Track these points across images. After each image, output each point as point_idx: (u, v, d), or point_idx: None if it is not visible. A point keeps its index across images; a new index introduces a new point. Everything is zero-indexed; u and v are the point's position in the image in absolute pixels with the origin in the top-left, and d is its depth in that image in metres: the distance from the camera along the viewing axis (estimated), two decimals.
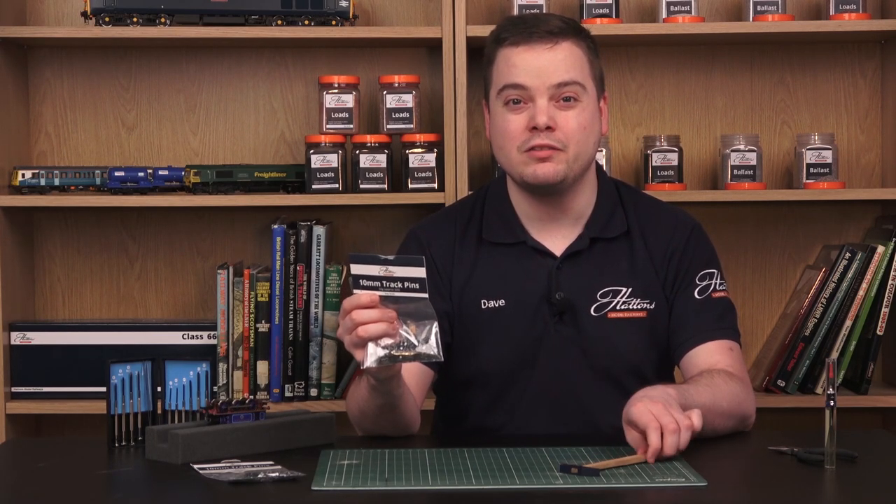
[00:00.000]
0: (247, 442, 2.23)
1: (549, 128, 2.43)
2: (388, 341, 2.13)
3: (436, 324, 2.13)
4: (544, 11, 3.15)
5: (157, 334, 3.21)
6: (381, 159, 3.19)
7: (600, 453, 2.17)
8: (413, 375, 2.44)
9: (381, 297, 2.13)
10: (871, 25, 3.20)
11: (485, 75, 2.55)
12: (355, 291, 2.14)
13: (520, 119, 2.46)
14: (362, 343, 2.13)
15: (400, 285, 2.12)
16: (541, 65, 2.45)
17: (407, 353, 2.14)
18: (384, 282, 2.13)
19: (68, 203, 3.21)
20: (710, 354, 2.47)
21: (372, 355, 2.13)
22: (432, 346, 2.13)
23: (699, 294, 2.52)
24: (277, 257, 3.18)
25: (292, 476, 2.04)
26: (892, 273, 3.17)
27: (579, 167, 2.47)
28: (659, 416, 2.12)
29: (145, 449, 2.23)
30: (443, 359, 2.15)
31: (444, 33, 3.16)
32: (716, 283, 2.54)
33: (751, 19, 3.21)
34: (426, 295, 2.12)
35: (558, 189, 2.48)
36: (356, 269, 2.14)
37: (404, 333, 2.13)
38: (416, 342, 2.13)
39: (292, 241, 3.18)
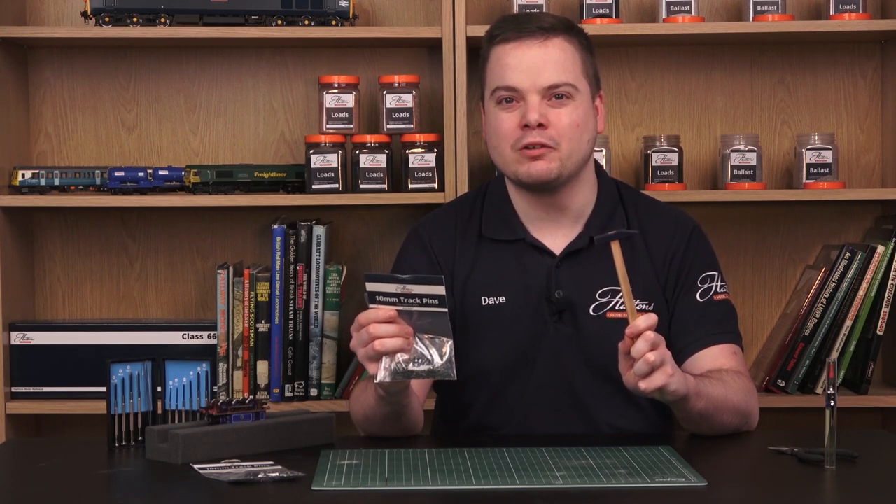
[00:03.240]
0: (247, 442, 2.23)
1: (541, 125, 2.44)
2: (402, 356, 2.13)
3: (451, 342, 2.13)
4: (542, 11, 3.15)
5: (157, 334, 3.21)
6: (381, 159, 3.19)
7: (600, 453, 2.17)
8: None
9: (398, 311, 2.13)
10: (871, 25, 3.20)
11: (480, 75, 2.55)
12: (371, 307, 2.14)
13: (512, 117, 2.46)
14: (377, 357, 2.13)
15: (418, 301, 2.12)
16: (532, 63, 2.45)
17: (421, 370, 2.13)
18: (402, 298, 2.12)
19: (68, 203, 3.21)
20: (713, 359, 2.47)
21: (386, 369, 2.13)
22: (447, 364, 2.12)
23: (701, 297, 2.52)
24: (277, 257, 3.18)
25: (292, 476, 2.05)
26: (892, 273, 3.17)
27: (573, 164, 2.47)
28: (658, 347, 2.15)
29: (145, 449, 2.23)
30: (456, 378, 2.14)
31: (444, 33, 3.17)
32: (716, 286, 2.54)
33: (751, 19, 3.21)
34: (446, 310, 2.11)
35: (553, 186, 2.48)
36: (371, 286, 2.13)
37: (419, 349, 2.13)
38: (430, 358, 2.13)
39: (292, 241, 3.18)
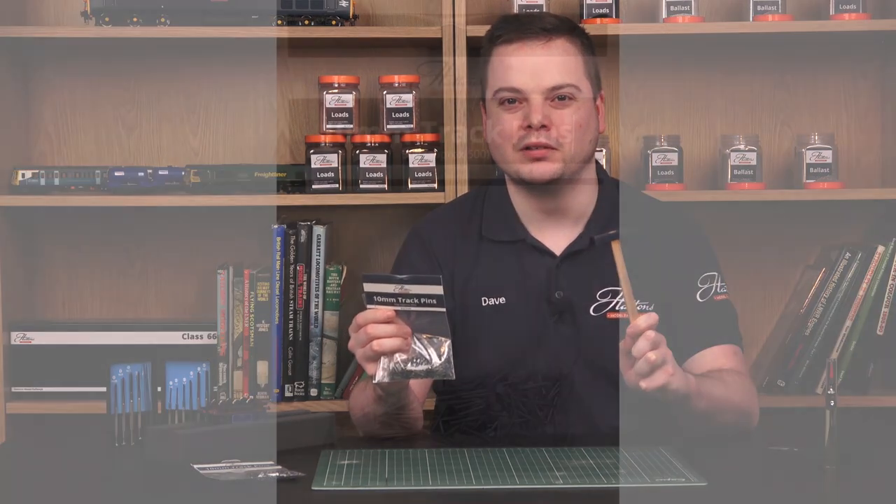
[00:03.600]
0: (247, 442, 2.23)
1: (544, 126, 2.44)
2: (401, 356, 2.13)
3: (450, 342, 2.13)
4: (544, 11, 3.15)
5: (157, 334, 3.21)
6: (381, 159, 3.19)
7: (600, 453, 2.17)
8: None
9: (396, 311, 2.13)
10: (871, 25, 3.20)
11: (481, 75, 2.55)
12: (369, 307, 2.14)
13: (515, 118, 2.47)
14: (375, 357, 2.13)
15: (416, 301, 2.12)
16: (535, 64, 2.45)
17: (419, 370, 2.13)
18: (400, 298, 2.12)
19: (68, 203, 3.21)
20: (714, 359, 2.47)
21: (384, 370, 2.13)
22: (445, 364, 2.13)
23: (701, 297, 2.52)
24: (277, 257, 3.18)
25: (292, 476, 2.05)
26: (892, 273, 3.17)
27: (575, 165, 2.48)
28: (659, 346, 2.14)
29: (145, 449, 2.23)
30: (454, 377, 2.14)
31: (444, 33, 3.17)
32: (717, 286, 2.54)
33: (751, 19, 3.21)
34: (444, 310, 2.12)
35: (555, 186, 2.49)
36: (369, 287, 2.13)
37: (417, 349, 2.13)
38: (428, 358, 2.13)
39: (292, 241, 3.18)
